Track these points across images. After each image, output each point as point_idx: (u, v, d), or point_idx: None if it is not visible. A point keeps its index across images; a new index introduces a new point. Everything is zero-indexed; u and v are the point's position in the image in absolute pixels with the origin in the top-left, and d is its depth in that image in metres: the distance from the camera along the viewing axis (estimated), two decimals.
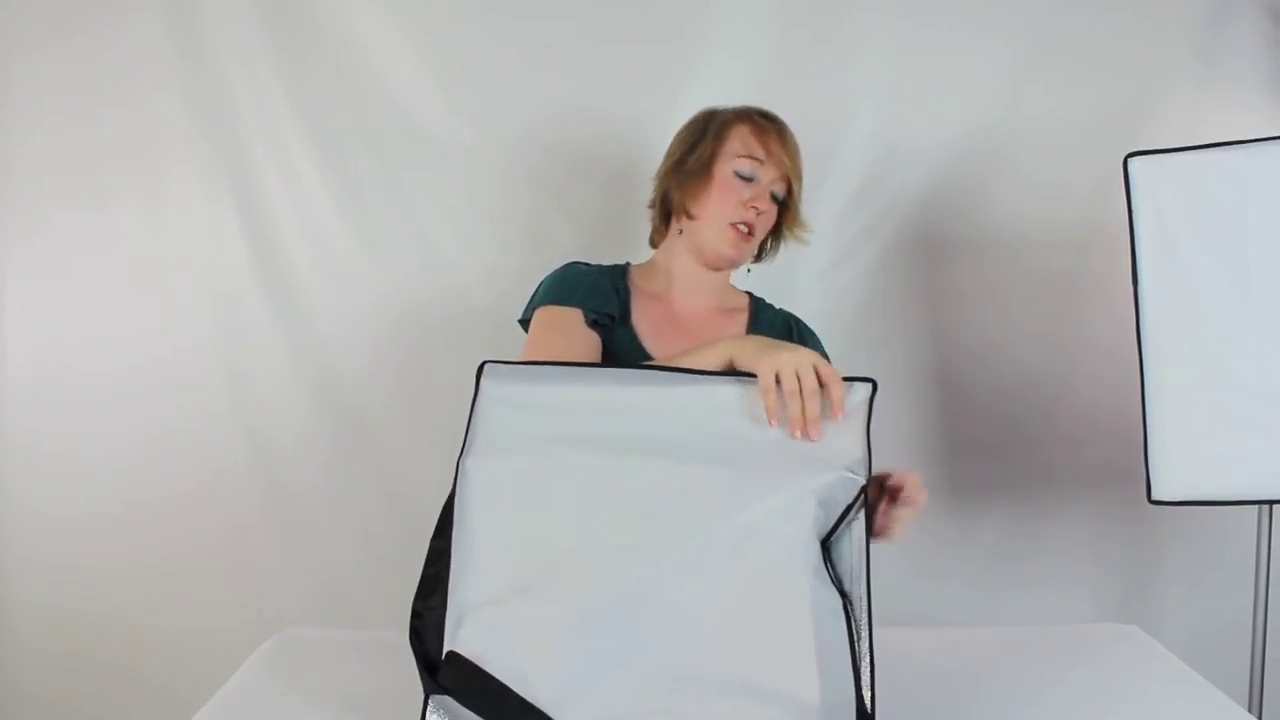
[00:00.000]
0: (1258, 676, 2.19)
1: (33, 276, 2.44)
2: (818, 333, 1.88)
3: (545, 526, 1.28)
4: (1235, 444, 2.02)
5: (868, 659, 1.23)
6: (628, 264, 1.86)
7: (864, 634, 1.24)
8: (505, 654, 1.23)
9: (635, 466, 1.28)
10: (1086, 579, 2.58)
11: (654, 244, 1.90)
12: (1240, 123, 2.36)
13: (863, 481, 1.28)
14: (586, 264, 1.81)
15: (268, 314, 2.45)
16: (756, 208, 1.72)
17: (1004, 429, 2.54)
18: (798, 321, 1.89)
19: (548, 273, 1.79)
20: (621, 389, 1.32)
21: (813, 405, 1.26)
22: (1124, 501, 2.48)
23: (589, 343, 1.65)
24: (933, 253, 2.52)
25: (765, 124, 1.77)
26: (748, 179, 1.72)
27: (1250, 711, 1.87)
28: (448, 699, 1.23)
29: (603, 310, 1.69)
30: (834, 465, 1.28)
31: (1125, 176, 2.05)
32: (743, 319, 1.84)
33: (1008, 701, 1.46)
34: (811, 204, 2.46)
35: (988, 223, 2.51)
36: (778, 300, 1.95)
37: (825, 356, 1.76)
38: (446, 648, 1.24)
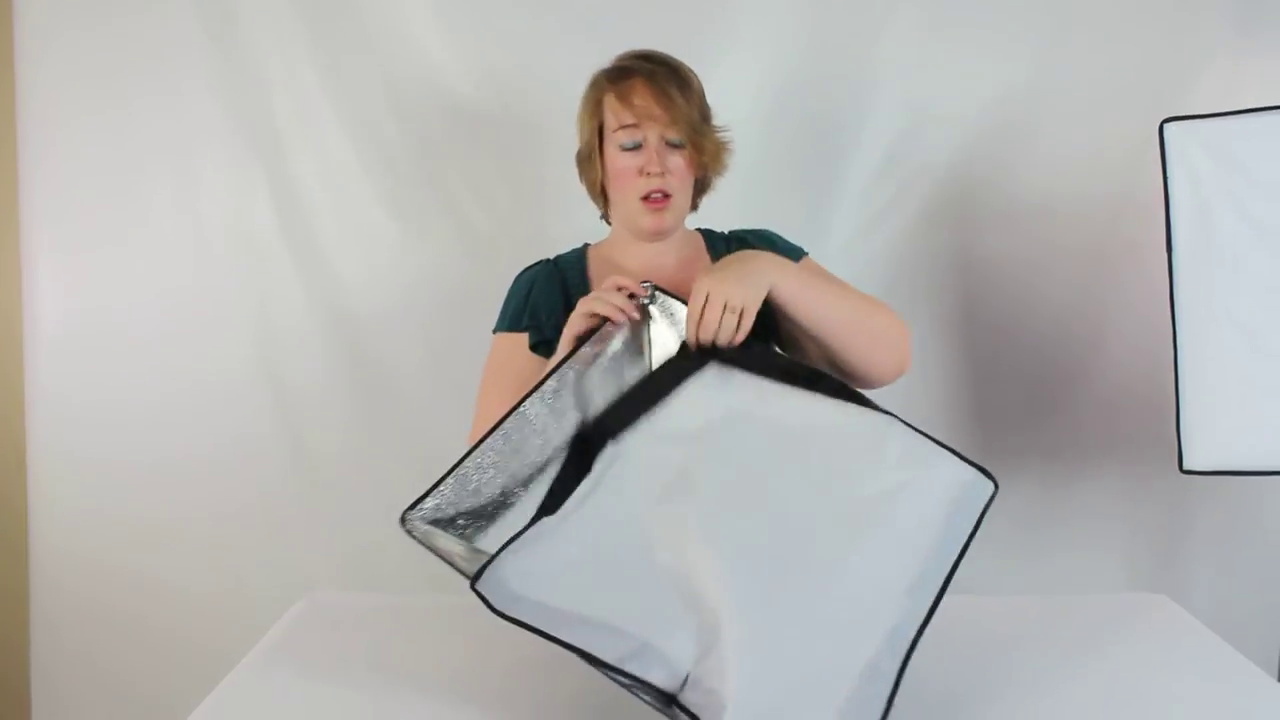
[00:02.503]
0: None
1: (65, 239, 2.47)
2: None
3: None
4: (1268, 413, 2.00)
5: None
6: (586, 247, 1.81)
7: None
8: None
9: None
10: (1116, 548, 2.57)
11: (608, 221, 1.83)
12: (1278, 89, 2.32)
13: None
14: (539, 264, 1.78)
15: (297, 282, 2.47)
16: (652, 172, 1.62)
17: (1034, 397, 2.53)
18: (745, 238, 1.79)
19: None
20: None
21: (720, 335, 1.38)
22: (1154, 470, 2.47)
23: (538, 376, 1.55)
24: (962, 221, 2.50)
25: (627, 81, 1.64)
26: (634, 148, 1.63)
27: None
28: None
29: (547, 325, 1.66)
30: None
31: (1160, 142, 2.03)
32: (705, 261, 1.76)
33: (1035, 671, 1.46)
34: (841, 173, 2.46)
35: (1018, 191, 2.48)
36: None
37: (788, 252, 1.76)
38: None
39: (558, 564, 1.25)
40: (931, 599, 1.23)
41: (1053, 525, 2.54)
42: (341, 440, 2.50)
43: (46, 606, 2.54)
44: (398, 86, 2.43)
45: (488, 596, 1.17)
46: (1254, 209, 2.00)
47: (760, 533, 1.26)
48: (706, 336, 1.38)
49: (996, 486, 1.28)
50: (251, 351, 2.48)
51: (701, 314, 1.38)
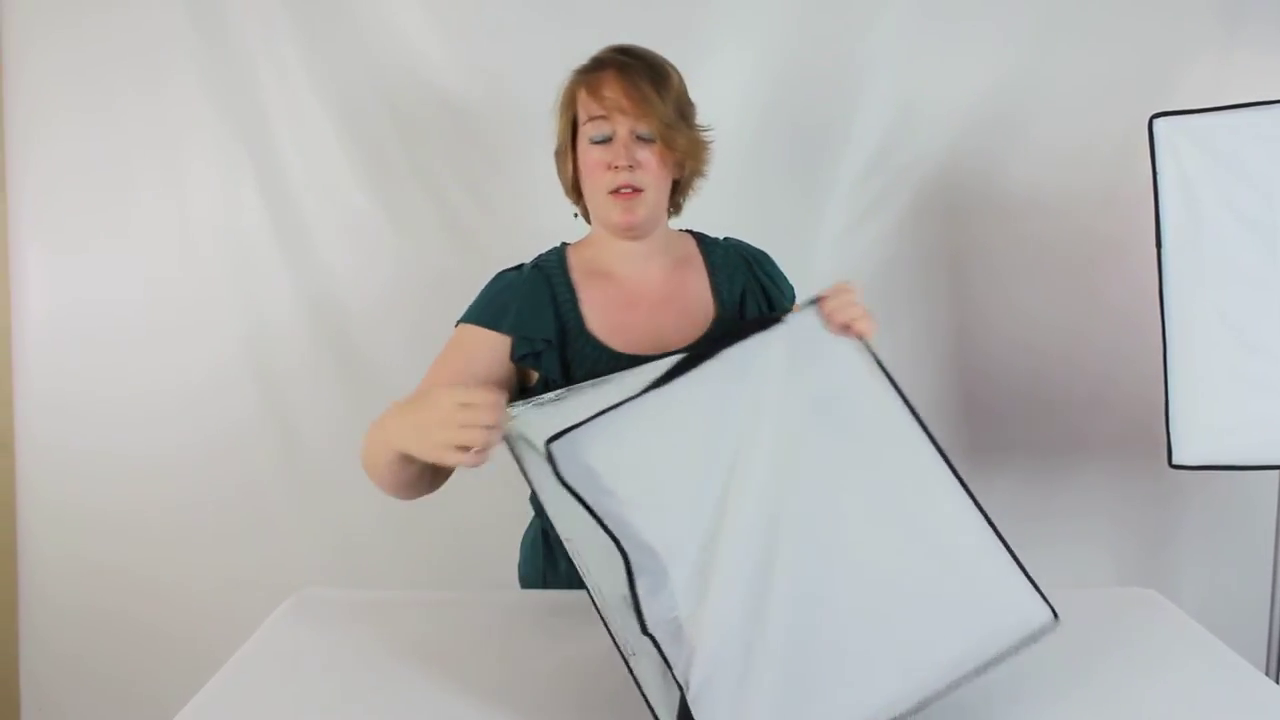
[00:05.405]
0: (1276, 641, 2.19)
1: (53, 234, 2.46)
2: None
3: None
4: (1257, 408, 2.01)
5: None
6: (564, 246, 1.74)
7: None
8: None
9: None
10: (1105, 543, 2.57)
11: (587, 219, 1.78)
12: (1266, 84, 2.33)
13: None
14: (519, 268, 1.71)
15: (285, 276, 2.46)
16: (619, 166, 1.58)
17: (1022, 392, 2.53)
18: (745, 247, 1.77)
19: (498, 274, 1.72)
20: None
21: None
22: (1142, 465, 2.47)
23: (494, 372, 1.60)
24: (951, 216, 2.50)
25: (597, 73, 1.61)
26: (604, 141, 1.59)
27: (1268, 676, 1.87)
28: None
29: (537, 336, 1.60)
30: None
31: (1150, 137, 2.03)
32: (699, 262, 1.72)
33: (1024, 665, 1.46)
34: (830, 167, 2.46)
35: (1006, 186, 2.49)
36: (795, 264, 1.85)
37: (780, 277, 1.75)
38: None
39: (629, 449, 1.24)
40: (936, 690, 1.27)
41: (1042, 520, 2.54)
42: (331, 434, 2.49)
43: (35, 602, 2.53)
44: (385, 79, 2.42)
45: (558, 461, 1.18)
46: (1242, 204, 2.01)
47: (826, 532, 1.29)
48: (845, 316, 1.45)
49: (1057, 618, 1.33)
50: (240, 345, 2.47)
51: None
